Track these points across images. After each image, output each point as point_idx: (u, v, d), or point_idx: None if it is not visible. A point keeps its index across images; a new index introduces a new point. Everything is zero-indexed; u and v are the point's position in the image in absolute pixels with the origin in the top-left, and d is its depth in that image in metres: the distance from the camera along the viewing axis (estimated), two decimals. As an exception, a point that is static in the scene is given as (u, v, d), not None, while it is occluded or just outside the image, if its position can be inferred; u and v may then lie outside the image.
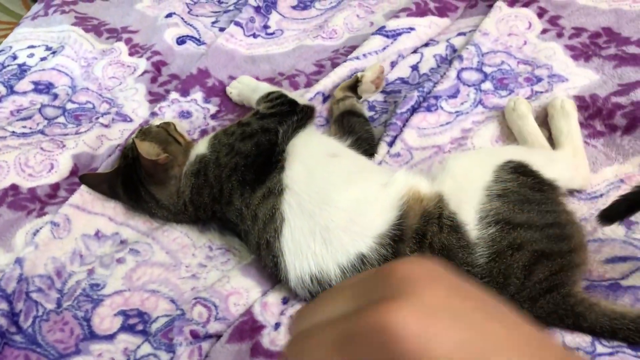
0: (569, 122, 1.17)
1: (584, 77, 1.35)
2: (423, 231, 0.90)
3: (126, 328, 1.02)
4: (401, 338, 0.30)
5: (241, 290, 1.03)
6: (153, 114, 1.39)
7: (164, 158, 1.12)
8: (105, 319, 1.03)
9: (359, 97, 1.38)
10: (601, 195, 1.11)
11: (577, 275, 0.89)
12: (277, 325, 0.98)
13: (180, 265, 1.11)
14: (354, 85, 1.38)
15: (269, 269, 1.01)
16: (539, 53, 1.42)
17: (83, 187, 1.21)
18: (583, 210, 1.08)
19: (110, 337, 1.00)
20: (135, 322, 1.03)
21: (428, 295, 0.32)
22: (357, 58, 1.45)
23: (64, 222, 1.16)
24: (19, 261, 1.08)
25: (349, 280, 0.38)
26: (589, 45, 1.43)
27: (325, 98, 1.41)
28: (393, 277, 0.34)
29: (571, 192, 1.13)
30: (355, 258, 0.91)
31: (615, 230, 1.05)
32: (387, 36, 1.50)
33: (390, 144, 1.25)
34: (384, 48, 1.47)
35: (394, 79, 1.45)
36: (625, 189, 1.10)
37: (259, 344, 0.96)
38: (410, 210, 0.93)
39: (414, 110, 1.31)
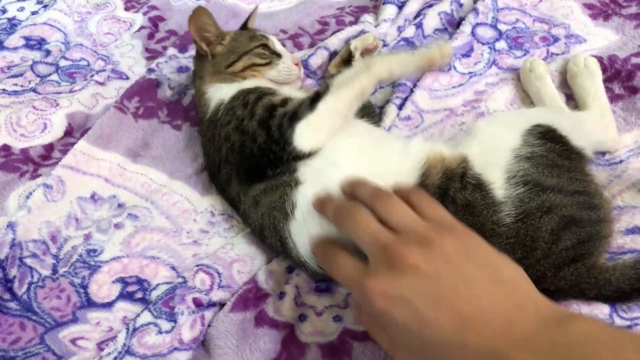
0: (595, 82, 1.12)
1: (603, 38, 1.29)
2: (445, 187, 0.86)
3: (125, 296, 0.98)
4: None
5: (246, 258, 0.99)
6: (150, 70, 1.32)
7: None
8: (102, 286, 0.99)
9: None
10: (620, 162, 1.06)
11: (603, 246, 0.85)
12: (282, 295, 0.94)
13: (181, 231, 1.06)
14: (348, 59, 1.27)
15: (276, 248, 0.96)
16: (555, 11, 1.36)
17: (77, 146, 1.15)
18: (602, 177, 1.04)
19: (108, 305, 0.96)
20: (134, 289, 0.99)
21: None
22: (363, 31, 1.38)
23: (58, 184, 1.11)
24: (11, 225, 1.03)
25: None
26: (609, 3, 1.36)
27: (332, 55, 1.34)
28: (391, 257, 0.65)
29: (595, 158, 1.08)
30: None
31: (635, 197, 1.01)
32: (398, 6, 1.44)
33: (400, 106, 1.20)
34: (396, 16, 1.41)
35: (397, 40, 1.38)
36: (645, 154, 1.06)
37: (264, 313, 0.92)
38: (432, 169, 0.89)
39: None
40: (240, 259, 0.99)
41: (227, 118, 1.05)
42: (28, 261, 1.01)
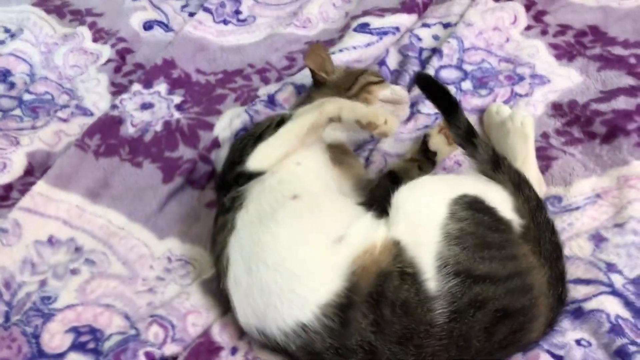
0: (526, 144, 1.10)
1: (567, 79, 1.29)
2: (379, 292, 0.83)
3: (77, 346, 0.96)
4: None
5: (201, 310, 0.98)
6: (113, 107, 1.31)
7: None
8: (55, 336, 0.97)
9: (433, 162, 1.17)
10: (577, 208, 1.06)
11: (538, 326, 0.85)
12: (233, 350, 0.93)
13: (136, 278, 1.05)
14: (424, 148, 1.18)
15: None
16: (521, 51, 1.36)
17: (35, 188, 1.14)
18: (557, 222, 1.04)
19: (59, 357, 0.95)
20: (86, 339, 0.97)
21: None
22: (333, 54, 1.37)
23: (14, 227, 1.09)
24: (-37, 273, 1.02)
25: None
26: (574, 44, 1.37)
27: (298, 89, 1.34)
28: None
29: (547, 199, 1.09)
30: (295, 326, 0.84)
31: (583, 247, 1.01)
32: (372, 33, 1.43)
33: (367, 157, 1.21)
34: (367, 45, 1.40)
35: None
36: (601, 204, 1.06)
37: (215, 368, 0.92)
38: (363, 274, 0.85)
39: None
40: (196, 310, 0.98)
41: None
42: (-21, 310, 1.00)
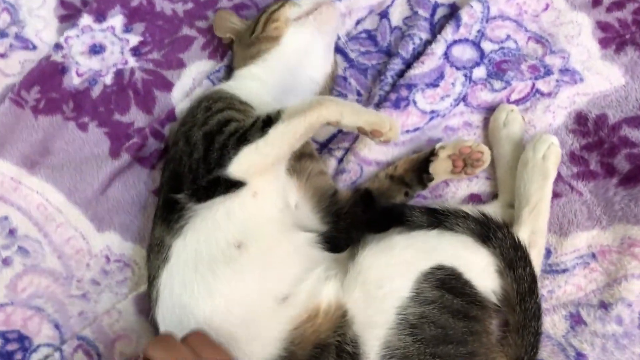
0: (544, 185, 0.91)
1: (605, 79, 1.05)
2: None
3: (4, 355, 0.93)
4: None
5: (132, 335, 0.93)
6: (57, 47, 1.11)
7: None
8: (-18, 340, 0.94)
9: (423, 186, 0.98)
10: (564, 271, 0.93)
11: None
12: (162, 385, 0.90)
13: (71, 279, 0.98)
14: (426, 159, 0.98)
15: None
16: (559, 28, 1.09)
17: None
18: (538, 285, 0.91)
19: (-16, 367, 0.93)
20: (14, 348, 0.94)
21: None
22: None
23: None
24: None
25: None
26: (630, 24, 1.08)
27: None
28: None
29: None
30: None
31: (557, 325, 0.90)
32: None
33: (341, 159, 1.03)
34: None
35: (358, 31, 1.14)
36: (593, 268, 0.92)
37: (138, 410, 0.89)
38: (301, 344, 0.76)
39: (378, 104, 1.04)
40: (125, 335, 0.93)
41: (187, 118, 0.97)
42: None
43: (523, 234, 0.87)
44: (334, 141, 1.05)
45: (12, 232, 1.01)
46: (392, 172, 0.99)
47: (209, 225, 0.84)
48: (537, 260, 0.88)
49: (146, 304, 0.93)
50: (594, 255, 0.93)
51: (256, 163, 0.86)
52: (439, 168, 0.97)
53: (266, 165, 0.86)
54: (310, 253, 0.88)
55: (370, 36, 1.13)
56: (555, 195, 0.96)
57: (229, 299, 0.80)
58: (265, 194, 0.88)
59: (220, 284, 0.81)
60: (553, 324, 0.90)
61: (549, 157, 0.92)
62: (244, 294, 0.81)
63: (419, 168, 0.97)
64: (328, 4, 1.03)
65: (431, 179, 0.97)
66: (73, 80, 1.10)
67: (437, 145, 0.97)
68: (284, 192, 0.92)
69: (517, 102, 1.04)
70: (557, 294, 0.91)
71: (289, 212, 0.91)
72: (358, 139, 1.02)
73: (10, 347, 0.94)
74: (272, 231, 0.87)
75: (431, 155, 0.97)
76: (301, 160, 0.96)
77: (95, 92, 1.10)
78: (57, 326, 0.96)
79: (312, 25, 1.01)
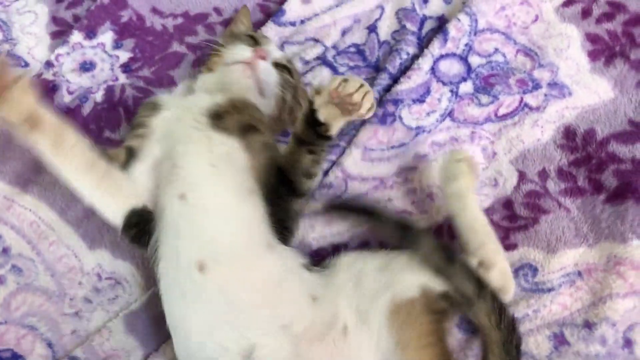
0: (465, 207, 0.90)
1: (594, 93, 1.05)
2: None
3: (-2, 374, 0.96)
4: None
5: (121, 353, 0.94)
6: (48, 65, 1.12)
7: None
8: (-23, 358, 0.97)
9: (327, 138, 0.90)
10: (549, 290, 0.93)
11: None
12: (152, 404, 0.92)
13: (64, 297, 1.00)
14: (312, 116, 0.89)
15: None
16: (549, 40, 1.09)
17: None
18: (524, 304, 0.92)
19: (-21, 385, 0.96)
20: (8, 366, 0.97)
21: None
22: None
23: None
24: None
25: None
26: (620, 36, 1.08)
27: None
28: None
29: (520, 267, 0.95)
30: None
31: (541, 345, 0.90)
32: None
33: (326, 171, 1.03)
34: (337, 5, 1.13)
35: (346, 45, 1.14)
36: (579, 286, 0.92)
37: None
38: None
39: (364, 120, 1.04)
40: (115, 354, 0.94)
41: None
42: None
43: (473, 260, 0.87)
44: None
45: (5, 250, 1.03)
46: (295, 133, 0.92)
47: (170, 244, 0.86)
48: (501, 279, 0.88)
49: (138, 322, 0.95)
50: (579, 274, 0.93)
51: None
52: (328, 115, 0.86)
53: None
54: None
55: (359, 51, 1.13)
56: (544, 211, 0.97)
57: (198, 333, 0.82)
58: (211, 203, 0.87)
59: (193, 315, 0.82)
60: (537, 344, 0.90)
61: (457, 177, 0.90)
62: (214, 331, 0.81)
63: (312, 122, 0.88)
64: (241, 63, 0.99)
65: (327, 129, 0.88)
66: (64, 98, 1.11)
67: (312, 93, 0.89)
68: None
69: (505, 116, 1.04)
70: (542, 313, 0.91)
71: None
72: (345, 153, 1.02)
73: (5, 365, 0.97)
74: (237, 253, 0.85)
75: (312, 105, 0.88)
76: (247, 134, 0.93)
77: (86, 109, 1.11)
78: (49, 345, 0.98)
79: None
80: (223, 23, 1.18)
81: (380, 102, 1.04)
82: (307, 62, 1.12)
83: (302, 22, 1.15)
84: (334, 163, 1.02)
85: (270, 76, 0.98)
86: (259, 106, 0.98)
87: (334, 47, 1.13)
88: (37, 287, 1.01)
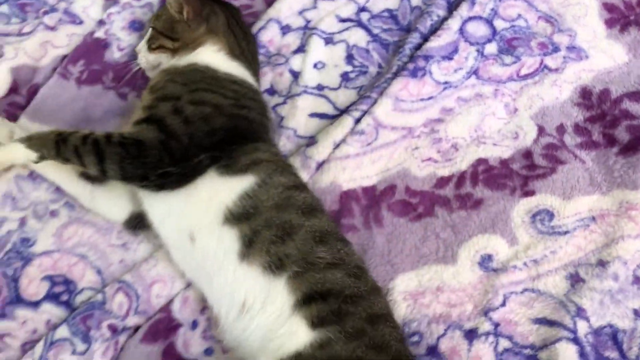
0: None
1: (609, 57, 1.13)
2: None
3: (51, 297, 1.03)
4: None
5: (166, 279, 1.01)
6: (100, 23, 1.21)
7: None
8: (32, 282, 1.03)
9: None
10: (565, 233, 1.00)
11: None
12: (194, 324, 0.99)
13: (112, 230, 1.07)
14: None
15: None
16: (567, 8, 1.17)
17: (17, 124, 1.12)
18: (542, 246, 0.99)
19: (35, 305, 1.02)
20: (60, 290, 1.03)
21: None
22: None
23: (-3, 161, 1.10)
24: (-53, 209, 1.06)
25: None
26: (634, 6, 1.15)
27: (283, 29, 1.21)
28: None
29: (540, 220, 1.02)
30: None
31: (558, 284, 0.97)
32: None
33: (358, 119, 1.10)
34: None
35: (380, 9, 1.22)
36: (593, 229, 0.99)
37: (172, 347, 0.98)
38: None
39: (396, 74, 1.12)
40: (161, 279, 1.01)
41: None
42: (-37, 244, 1.05)
43: None
44: (353, 104, 1.13)
45: (59, 188, 1.11)
46: None
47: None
48: None
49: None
50: (593, 219, 1.00)
51: None
52: None
53: None
54: None
55: (392, 15, 1.21)
56: (561, 162, 1.04)
57: None
58: None
59: None
60: (555, 284, 0.97)
61: None
62: None
63: None
64: None
65: None
66: (114, 55, 1.20)
67: None
68: None
69: (526, 76, 1.12)
70: (559, 254, 0.98)
71: None
72: (376, 103, 1.10)
73: (57, 289, 1.04)
74: None
75: None
76: None
77: (135, 66, 1.20)
78: (99, 272, 1.05)
79: None
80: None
81: (412, 58, 1.12)
82: (343, 20, 1.20)
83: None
84: (365, 112, 1.10)
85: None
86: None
87: (368, 10, 1.21)
88: (87, 220, 1.09)
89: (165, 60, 1.10)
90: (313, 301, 0.86)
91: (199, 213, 0.94)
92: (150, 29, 1.12)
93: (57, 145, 0.97)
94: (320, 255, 0.89)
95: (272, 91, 1.18)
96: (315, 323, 0.85)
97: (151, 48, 1.11)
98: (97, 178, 1.05)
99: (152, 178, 0.94)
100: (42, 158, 0.99)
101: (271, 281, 0.88)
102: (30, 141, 0.99)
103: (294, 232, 0.90)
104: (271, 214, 0.91)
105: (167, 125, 0.95)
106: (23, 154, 0.99)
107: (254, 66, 1.13)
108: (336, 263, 0.89)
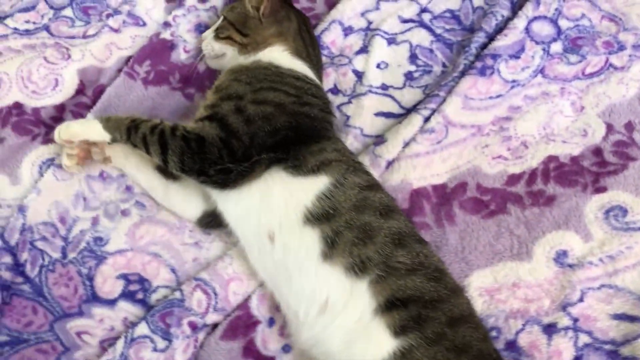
0: None
1: (676, 54, 1.12)
2: None
3: (127, 295, 1.04)
4: None
5: (242, 276, 1.02)
6: (166, 25, 1.23)
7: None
8: (107, 280, 1.04)
9: None
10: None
11: None
12: (271, 321, 1.00)
13: (184, 228, 1.08)
14: None
15: None
16: (631, 7, 1.18)
17: (89, 116, 1.14)
18: (617, 242, 0.99)
19: (111, 303, 1.03)
20: (135, 288, 1.04)
21: None
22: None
23: (67, 162, 1.11)
24: (21, 210, 1.07)
25: None
26: (699, 3, 1.16)
27: (346, 30, 1.22)
28: None
29: (614, 216, 1.02)
30: None
31: (636, 280, 0.97)
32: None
33: (427, 118, 1.11)
34: None
35: (442, 10, 1.23)
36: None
37: (252, 343, 0.99)
38: None
39: (463, 72, 1.13)
40: (237, 276, 1.02)
41: None
42: (39, 244, 1.06)
43: None
44: (421, 103, 1.14)
45: (129, 188, 1.12)
46: None
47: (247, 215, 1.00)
48: None
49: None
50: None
51: None
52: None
53: None
54: None
55: (454, 16, 1.22)
56: (631, 159, 1.05)
57: None
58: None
59: None
60: (632, 280, 0.97)
61: None
62: None
63: None
64: None
65: None
66: (180, 56, 1.21)
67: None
68: None
69: (592, 74, 1.12)
70: (635, 250, 0.98)
71: None
72: (445, 102, 1.11)
73: (133, 287, 1.05)
74: None
75: None
76: None
77: (202, 66, 1.21)
78: (173, 270, 1.06)
79: None
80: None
81: (478, 57, 1.13)
82: (405, 21, 1.22)
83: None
84: (434, 111, 1.11)
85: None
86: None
87: (430, 11, 1.22)
88: (158, 219, 1.10)
89: (230, 53, 1.12)
90: (394, 308, 0.87)
91: (278, 213, 0.94)
92: (222, 18, 1.14)
93: (128, 131, 0.99)
94: (400, 259, 0.89)
95: (336, 91, 1.19)
96: (398, 331, 0.86)
97: (218, 37, 1.12)
98: (172, 175, 1.06)
99: (211, 173, 0.95)
100: (114, 141, 1.02)
101: (354, 283, 0.89)
102: (108, 122, 1.01)
103: (374, 235, 0.90)
104: (350, 215, 0.92)
105: (228, 123, 0.96)
106: (99, 133, 1.02)
107: (317, 68, 1.14)
108: (416, 268, 0.89)
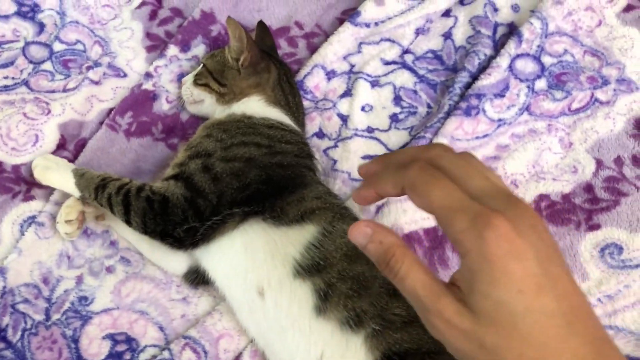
0: None
1: (660, 87, 1.13)
2: None
3: (114, 356, 1.00)
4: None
5: (232, 332, 0.99)
6: (147, 76, 1.21)
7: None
8: (93, 342, 1.01)
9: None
10: (637, 266, 0.98)
11: None
12: (264, 379, 0.96)
13: (171, 284, 1.05)
14: None
15: None
16: (612, 42, 1.17)
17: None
18: (614, 281, 0.97)
19: (98, 366, 1.00)
20: (123, 349, 1.01)
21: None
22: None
23: (50, 221, 1.08)
24: (1, 272, 1.03)
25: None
26: (678, 36, 1.16)
27: (329, 74, 1.21)
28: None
29: (610, 254, 1.00)
30: None
31: (637, 319, 0.95)
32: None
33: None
34: (409, 9, 1.22)
35: (424, 51, 1.22)
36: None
37: (243, 404, 0.95)
38: None
39: (448, 113, 1.12)
40: (227, 332, 0.99)
41: None
42: (20, 307, 1.03)
43: None
44: (408, 145, 1.13)
45: (113, 243, 1.09)
46: None
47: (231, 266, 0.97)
48: None
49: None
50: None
51: None
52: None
53: None
54: None
55: (437, 56, 1.22)
56: (623, 194, 1.04)
57: None
58: None
59: None
60: (633, 319, 0.95)
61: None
62: None
63: None
64: None
65: None
66: (163, 107, 1.20)
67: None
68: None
69: (578, 110, 1.12)
70: (633, 288, 0.97)
71: None
72: (439, 132, 1.10)
73: (120, 347, 1.01)
74: None
75: None
76: None
77: (184, 116, 1.19)
78: (161, 328, 1.03)
79: None
80: (305, 37, 1.27)
81: (462, 97, 1.13)
82: (387, 63, 1.21)
83: (377, 24, 1.24)
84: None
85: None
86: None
87: (412, 52, 1.22)
88: (144, 275, 1.07)
89: (208, 100, 1.11)
90: None
91: (266, 267, 0.91)
92: (201, 65, 1.14)
93: (96, 190, 0.98)
94: (396, 312, 0.86)
95: (321, 135, 1.18)
96: None
97: (197, 83, 1.12)
98: None
99: (177, 235, 0.93)
100: (83, 198, 1.01)
101: (349, 337, 0.85)
102: (80, 179, 1.01)
103: (368, 286, 0.87)
104: (342, 265, 0.89)
105: (194, 182, 0.94)
106: (71, 188, 1.01)
107: (297, 115, 1.13)
108: (412, 320, 0.86)
